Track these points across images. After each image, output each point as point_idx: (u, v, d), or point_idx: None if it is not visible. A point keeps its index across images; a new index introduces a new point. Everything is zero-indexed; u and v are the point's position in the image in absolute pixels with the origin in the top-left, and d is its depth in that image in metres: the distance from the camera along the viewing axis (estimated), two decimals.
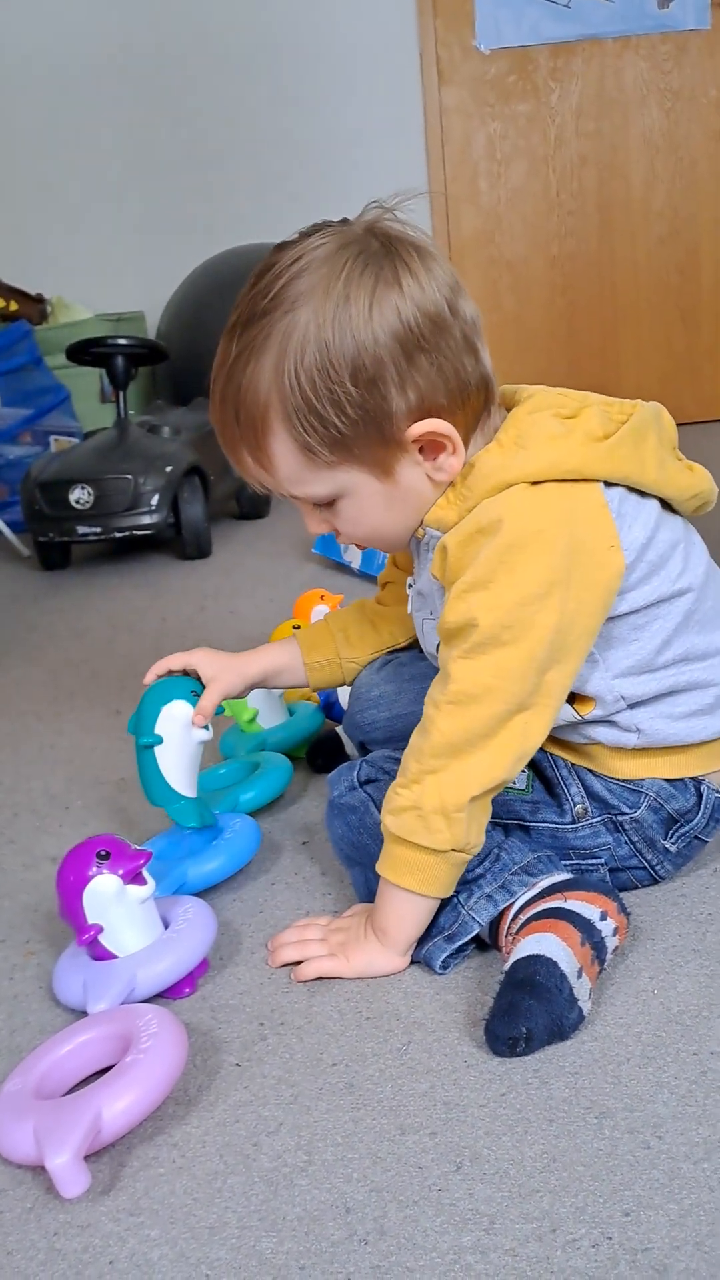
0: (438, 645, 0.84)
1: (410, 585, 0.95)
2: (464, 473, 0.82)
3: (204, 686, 1.02)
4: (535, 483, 0.79)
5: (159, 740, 0.99)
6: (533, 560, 0.78)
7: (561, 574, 0.78)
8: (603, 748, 0.87)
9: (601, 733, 0.86)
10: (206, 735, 1.01)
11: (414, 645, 1.07)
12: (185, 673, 1.05)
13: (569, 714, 0.85)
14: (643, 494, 0.84)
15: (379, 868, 0.84)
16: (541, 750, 0.89)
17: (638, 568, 0.82)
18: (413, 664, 1.02)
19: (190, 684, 1.03)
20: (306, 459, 0.81)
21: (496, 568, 0.78)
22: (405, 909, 0.83)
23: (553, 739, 0.88)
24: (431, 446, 0.82)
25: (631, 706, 0.86)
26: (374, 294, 0.77)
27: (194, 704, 1.00)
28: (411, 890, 0.82)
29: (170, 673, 1.04)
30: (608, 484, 0.81)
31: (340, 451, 0.81)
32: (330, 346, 0.77)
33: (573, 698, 0.85)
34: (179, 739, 1.00)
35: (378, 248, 0.79)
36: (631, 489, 0.83)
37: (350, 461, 0.81)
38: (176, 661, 1.04)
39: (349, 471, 0.82)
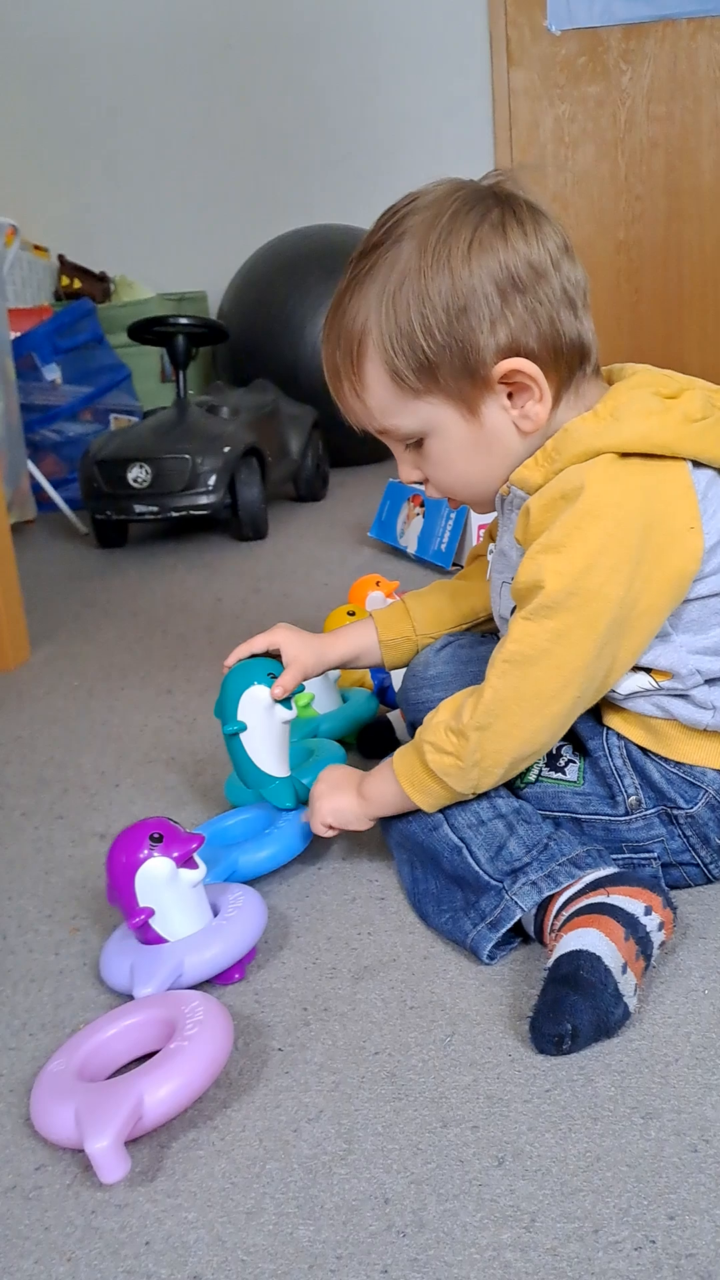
0: (511, 610, 0.85)
1: (491, 550, 0.95)
2: (555, 437, 0.82)
3: (283, 667, 1.03)
4: (624, 455, 0.79)
5: (243, 727, 0.99)
6: (606, 530, 0.77)
7: (633, 548, 0.77)
8: (676, 725, 0.86)
9: (678, 707, 0.85)
10: (290, 714, 1.01)
11: (489, 623, 1.07)
12: (267, 653, 1.05)
13: (646, 681, 0.84)
14: None
15: (396, 759, 0.88)
16: (598, 739, 0.87)
17: (718, 553, 0.81)
18: (472, 647, 1.01)
19: (269, 665, 1.02)
20: (396, 386, 0.84)
21: (571, 532, 0.78)
22: (395, 800, 0.90)
23: (624, 716, 0.87)
24: (518, 391, 0.83)
25: (709, 682, 0.85)
26: (476, 233, 0.80)
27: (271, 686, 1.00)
28: (414, 800, 0.87)
29: (252, 655, 1.04)
30: (697, 465, 0.81)
31: (426, 378, 0.82)
32: (426, 274, 0.80)
33: (647, 669, 0.85)
34: (263, 723, 1.00)
35: (492, 199, 0.82)
36: None
37: (436, 392, 0.83)
38: (259, 643, 1.05)
39: (435, 404, 0.84)
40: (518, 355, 0.81)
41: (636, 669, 0.84)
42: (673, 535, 0.79)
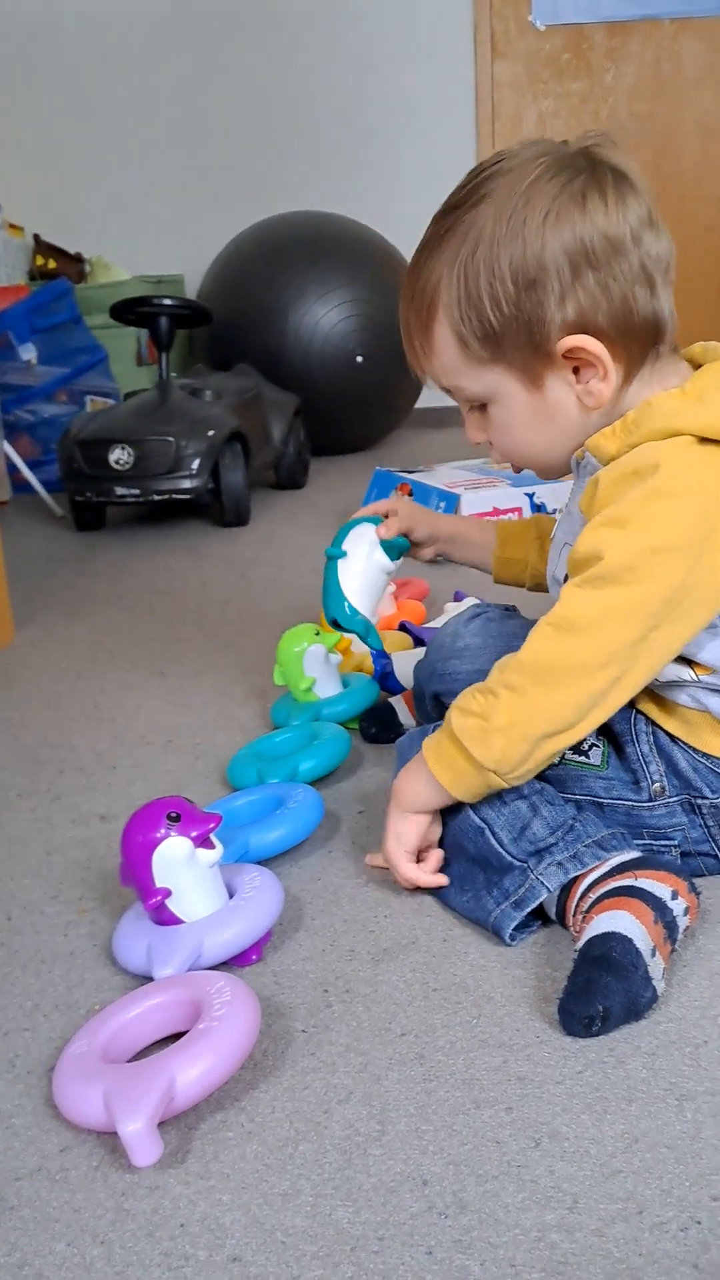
0: (565, 575, 0.84)
1: (558, 510, 0.94)
2: (638, 409, 0.80)
3: (403, 540, 1.12)
4: (703, 440, 0.77)
5: (343, 554, 1.09)
6: (674, 513, 0.76)
7: (699, 535, 0.76)
8: (709, 718, 0.86)
9: (712, 701, 0.85)
10: (390, 565, 1.10)
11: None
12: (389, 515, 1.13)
13: (685, 673, 0.84)
14: None
15: (426, 742, 0.86)
16: (626, 724, 0.87)
17: None
18: (502, 622, 1.00)
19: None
20: (461, 351, 0.83)
21: (638, 510, 0.77)
22: (424, 789, 0.87)
23: (659, 703, 0.87)
24: (583, 366, 0.81)
25: None
26: (555, 203, 0.78)
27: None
28: (439, 782, 0.84)
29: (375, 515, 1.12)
30: None
31: (491, 348, 0.82)
32: (500, 243, 0.79)
33: (690, 661, 0.84)
34: (362, 556, 1.09)
35: (582, 165, 0.80)
36: None
37: (500, 362, 0.83)
38: (382, 506, 1.13)
39: (499, 374, 0.83)
40: (585, 332, 0.79)
41: (679, 659, 0.83)
42: None
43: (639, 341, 0.81)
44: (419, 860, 0.90)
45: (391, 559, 1.10)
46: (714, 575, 0.78)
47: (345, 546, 1.09)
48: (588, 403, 0.82)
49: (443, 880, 0.89)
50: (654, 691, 0.86)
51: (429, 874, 0.89)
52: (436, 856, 0.90)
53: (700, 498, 0.77)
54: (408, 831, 0.88)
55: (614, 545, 0.77)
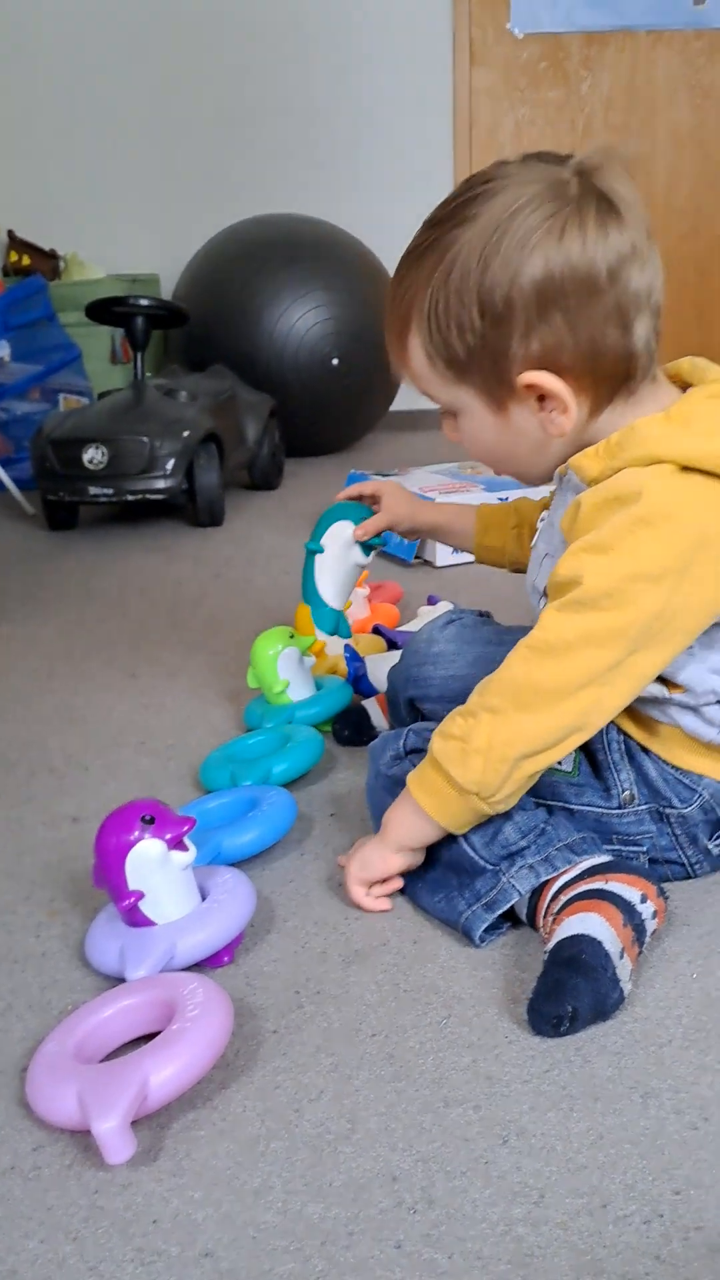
0: (545, 587, 0.85)
1: (542, 518, 0.96)
2: (621, 432, 0.81)
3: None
4: (685, 468, 0.77)
5: (320, 549, 1.18)
6: (657, 540, 0.77)
7: (680, 563, 0.77)
8: (679, 733, 0.87)
9: (685, 719, 0.86)
10: (364, 559, 1.19)
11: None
12: (374, 500, 1.19)
13: (658, 690, 0.85)
14: None
15: (410, 773, 0.87)
16: (598, 733, 0.88)
17: None
18: (476, 628, 1.01)
19: (368, 512, 1.18)
20: (430, 366, 0.85)
21: (622, 536, 0.77)
22: (411, 820, 0.86)
23: (634, 716, 0.88)
24: (547, 397, 0.82)
25: None
26: (533, 236, 0.77)
27: None
28: (425, 811, 0.84)
29: (360, 496, 1.20)
30: None
31: (455, 371, 0.84)
32: (471, 274, 0.79)
33: (664, 680, 0.85)
34: (338, 553, 1.18)
35: (573, 193, 0.78)
36: None
37: (465, 384, 0.84)
38: (369, 487, 1.20)
39: (464, 392, 0.85)
40: (547, 368, 0.79)
41: (656, 678, 0.84)
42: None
43: (607, 379, 0.81)
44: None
45: (365, 555, 1.19)
46: (692, 602, 0.78)
47: (324, 542, 1.17)
48: (550, 431, 0.83)
49: (387, 905, 0.91)
50: (629, 706, 0.87)
51: (374, 901, 0.91)
52: (393, 885, 0.91)
53: (682, 527, 0.77)
54: (375, 865, 0.89)
55: (595, 571, 0.77)
